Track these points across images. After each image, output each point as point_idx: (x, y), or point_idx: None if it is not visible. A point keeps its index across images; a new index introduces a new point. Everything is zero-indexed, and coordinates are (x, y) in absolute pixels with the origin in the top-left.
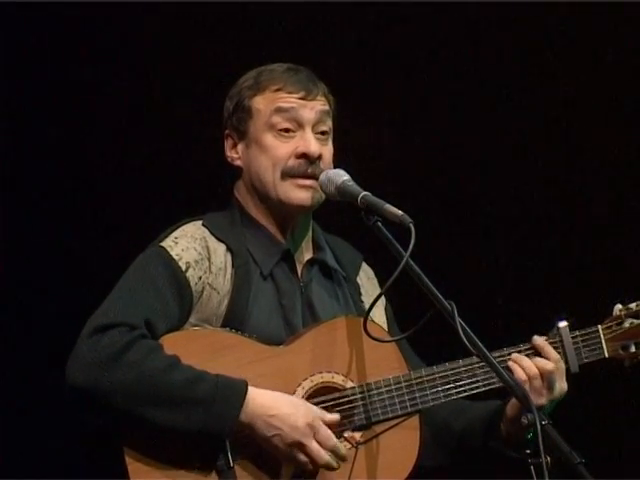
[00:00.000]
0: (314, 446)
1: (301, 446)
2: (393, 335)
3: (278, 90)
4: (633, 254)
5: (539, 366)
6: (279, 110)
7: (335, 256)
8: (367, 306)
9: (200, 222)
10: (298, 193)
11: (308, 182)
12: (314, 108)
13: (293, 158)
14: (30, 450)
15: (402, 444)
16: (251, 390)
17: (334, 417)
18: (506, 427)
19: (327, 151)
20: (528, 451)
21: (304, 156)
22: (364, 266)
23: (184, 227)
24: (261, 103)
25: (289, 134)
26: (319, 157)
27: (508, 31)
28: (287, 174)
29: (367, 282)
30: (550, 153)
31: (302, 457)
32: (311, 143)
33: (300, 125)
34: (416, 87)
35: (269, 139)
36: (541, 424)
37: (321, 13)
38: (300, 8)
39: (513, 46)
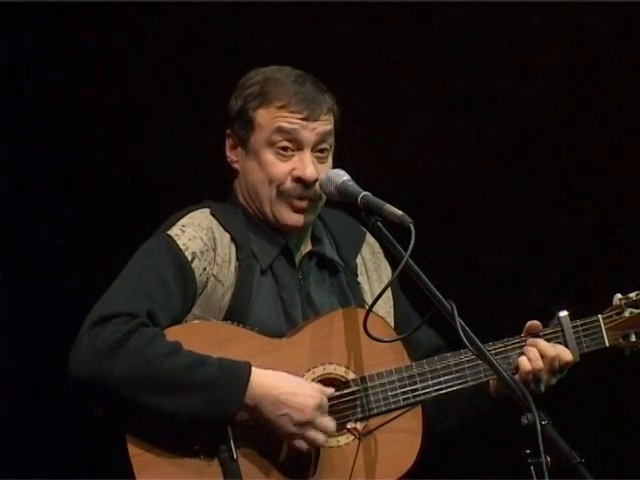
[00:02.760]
0: (326, 420)
1: (311, 424)
2: (400, 320)
3: (282, 107)
4: (633, 243)
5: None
6: (280, 130)
7: (334, 239)
8: (365, 287)
9: (208, 210)
10: (292, 215)
11: (302, 204)
12: (315, 130)
13: (289, 180)
14: (30, 450)
15: (404, 435)
16: (255, 370)
17: (331, 390)
18: (493, 388)
19: (325, 168)
20: (528, 451)
21: (300, 180)
22: (369, 240)
23: (192, 214)
24: (264, 118)
25: (288, 153)
26: (315, 181)
27: (507, 30)
28: (282, 194)
29: (371, 257)
30: (549, 144)
31: (312, 433)
32: (307, 168)
33: (300, 146)
34: (415, 86)
35: (268, 156)
36: (541, 424)
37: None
38: (300, 8)
39: (512, 46)
